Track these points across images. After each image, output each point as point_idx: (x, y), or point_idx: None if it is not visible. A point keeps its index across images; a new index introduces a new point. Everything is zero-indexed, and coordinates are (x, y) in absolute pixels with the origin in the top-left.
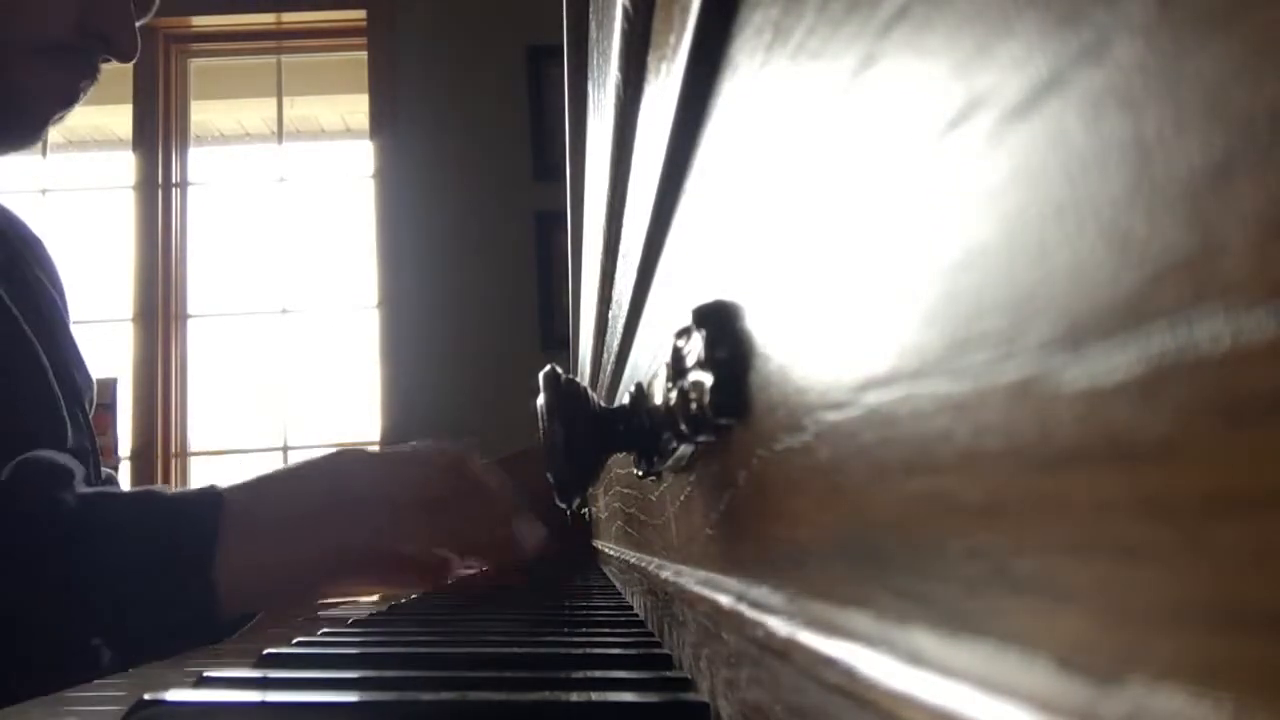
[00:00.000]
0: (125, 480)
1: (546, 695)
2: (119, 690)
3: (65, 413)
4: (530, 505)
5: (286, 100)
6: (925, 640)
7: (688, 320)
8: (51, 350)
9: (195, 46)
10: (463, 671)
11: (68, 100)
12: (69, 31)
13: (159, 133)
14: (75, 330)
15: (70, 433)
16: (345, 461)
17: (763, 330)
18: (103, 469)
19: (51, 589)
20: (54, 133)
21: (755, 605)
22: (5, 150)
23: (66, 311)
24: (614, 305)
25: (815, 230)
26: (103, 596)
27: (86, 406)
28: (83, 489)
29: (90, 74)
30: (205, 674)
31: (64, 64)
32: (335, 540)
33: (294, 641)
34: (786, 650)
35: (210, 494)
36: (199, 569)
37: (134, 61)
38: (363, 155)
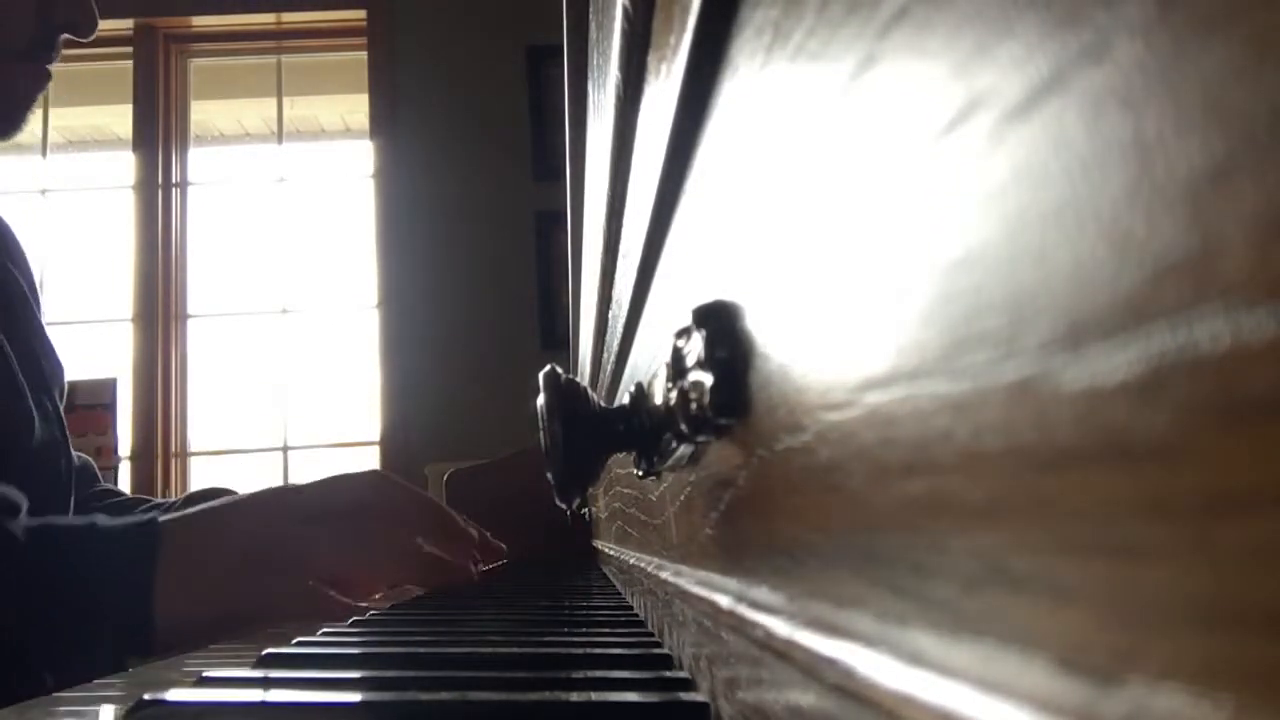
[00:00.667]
0: (125, 480)
1: (547, 695)
2: (118, 690)
3: (31, 402)
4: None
5: (286, 100)
6: (925, 640)
7: (688, 320)
8: (16, 340)
9: (195, 46)
10: (463, 671)
11: (42, 84)
12: (30, 32)
13: (159, 133)
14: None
15: (38, 421)
16: (282, 498)
17: (763, 330)
18: (75, 455)
19: (6, 622)
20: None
21: (755, 605)
22: None
23: (36, 301)
24: (614, 305)
25: (815, 230)
26: (46, 632)
27: (57, 396)
28: (27, 522)
29: (56, 54)
30: (205, 674)
31: (30, 57)
32: (269, 584)
33: (294, 641)
34: (786, 650)
35: (148, 531)
36: (135, 611)
37: (94, 36)
38: (363, 155)
